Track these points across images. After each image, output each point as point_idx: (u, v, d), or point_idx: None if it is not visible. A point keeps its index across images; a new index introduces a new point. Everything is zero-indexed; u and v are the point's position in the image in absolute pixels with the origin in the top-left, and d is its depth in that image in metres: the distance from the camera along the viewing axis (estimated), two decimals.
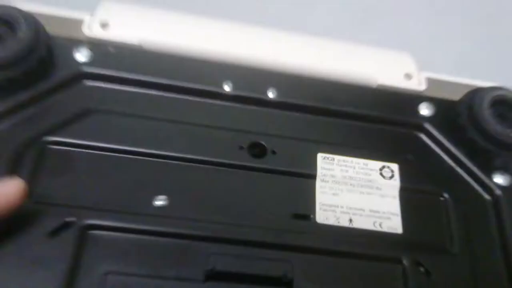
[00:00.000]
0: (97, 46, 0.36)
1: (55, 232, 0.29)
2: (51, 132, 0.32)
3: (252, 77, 0.37)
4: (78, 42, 0.36)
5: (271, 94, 0.36)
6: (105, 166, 0.32)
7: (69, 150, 0.32)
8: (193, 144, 0.34)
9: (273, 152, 0.34)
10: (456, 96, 0.39)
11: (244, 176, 0.33)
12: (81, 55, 0.35)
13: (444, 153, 0.37)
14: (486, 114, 0.36)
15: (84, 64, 0.35)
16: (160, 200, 0.31)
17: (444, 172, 0.36)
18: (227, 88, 0.36)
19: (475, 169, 0.36)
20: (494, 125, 0.36)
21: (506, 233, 0.35)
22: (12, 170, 0.30)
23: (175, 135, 0.34)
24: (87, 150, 0.32)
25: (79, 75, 0.34)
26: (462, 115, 0.37)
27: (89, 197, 0.31)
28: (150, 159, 0.33)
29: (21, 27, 0.32)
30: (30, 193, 0.30)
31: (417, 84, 0.40)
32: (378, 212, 0.34)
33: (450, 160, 0.37)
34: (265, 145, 0.34)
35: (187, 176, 0.32)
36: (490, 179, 0.36)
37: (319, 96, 0.37)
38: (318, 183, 0.34)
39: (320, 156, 0.35)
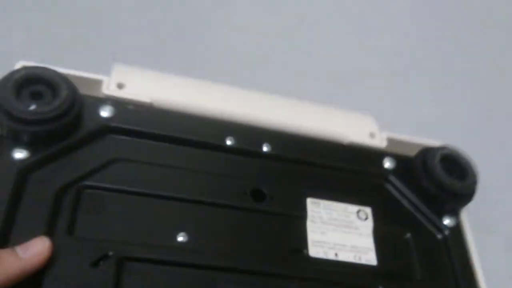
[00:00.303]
0: (118, 104, 0.41)
1: (96, 263, 0.33)
2: (84, 177, 0.37)
3: (249, 133, 0.43)
4: (102, 100, 0.41)
5: (265, 148, 0.43)
6: (132, 207, 0.37)
7: (101, 192, 0.37)
8: (204, 189, 0.39)
9: (271, 197, 0.41)
10: (410, 151, 0.48)
11: (248, 216, 0.39)
12: (105, 112, 0.40)
13: (405, 199, 0.45)
14: (437, 168, 0.45)
15: (108, 119, 0.40)
16: (181, 236, 0.37)
17: (405, 215, 0.44)
18: (229, 142, 0.42)
19: (429, 213, 0.45)
20: (443, 177, 0.44)
21: (454, 263, 0.43)
22: (54, 210, 0.35)
23: (188, 181, 0.40)
24: (116, 193, 0.37)
25: (104, 128, 0.40)
26: (418, 168, 0.45)
27: (122, 233, 0.36)
28: (169, 201, 0.38)
29: (62, 88, 0.38)
30: (71, 230, 0.35)
31: (379, 142, 0.48)
32: (357, 247, 0.41)
33: (409, 206, 0.45)
34: (264, 191, 0.41)
35: (201, 216, 0.38)
36: (441, 221, 0.45)
37: (305, 151, 0.44)
38: (309, 223, 0.41)
39: (309, 200, 0.42)
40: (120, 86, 0.43)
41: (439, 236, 0.44)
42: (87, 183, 0.37)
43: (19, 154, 0.36)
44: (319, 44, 0.61)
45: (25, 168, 0.36)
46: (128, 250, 0.35)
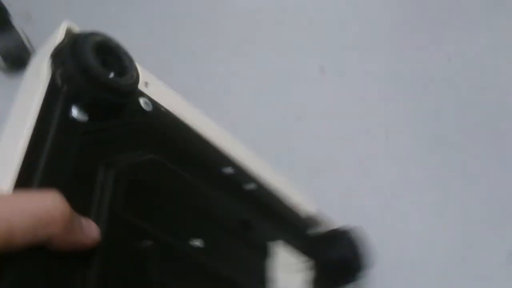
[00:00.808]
0: (153, 102, 0.43)
1: (138, 245, 0.34)
2: (125, 161, 0.37)
3: (244, 169, 0.49)
4: (140, 93, 0.42)
5: (251, 186, 0.49)
6: (161, 202, 0.39)
7: (138, 179, 0.37)
8: (212, 208, 0.43)
9: (256, 230, 0.46)
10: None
11: (243, 242, 0.44)
12: (145, 105, 0.41)
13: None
14: None
15: (147, 113, 0.41)
16: (198, 241, 0.39)
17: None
18: (228, 171, 0.47)
19: None
20: None
21: None
22: (102, 183, 0.34)
23: (202, 197, 0.43)
24: (149, 184, 0.38)
25: (145, 121, 0.41)
26: None
27: (154, 221, 0.37)
28: (187, 209, 0.41)
29: (131, 67, 0.39)
30: (113, 207, 0.34)
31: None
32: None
33: None
34: (252, 223, 0.46)
35: (211, 230, 0.41)
36: None
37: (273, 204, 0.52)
38: (275, 261, 0.47)
39: (279, 242, 0.48)
40: (146, 84, 0.44)
41: None
42: (127, 167, 0.37)
43: (79, 115, 0.35)
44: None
45: (85, 131, 0.35)
46: (162, 238, 0.36)
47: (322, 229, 0.58)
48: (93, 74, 0.35)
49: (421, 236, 0.61)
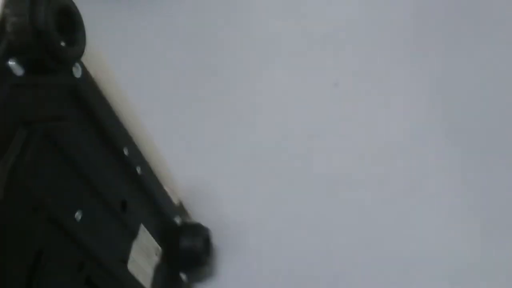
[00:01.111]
0: (85, 70, 0.44)
1: (32, 212, 0.36)
2: (42, 122, 0.38)
3: (137, 151, 0.52)
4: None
5: (138, 169, 0.52)
6: (64, 169, 0.40)
7: (47, 144, 0.38)
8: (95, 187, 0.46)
9: (130, 212, 0.50)
10: None
11: (115, 218, 0.48)
12: (74, 69, 0.42)
13: None
14: None
15: (75, 77, 0.42)
16: (78, 213, 0.42)
17: None
18: (125, 151, 0.50)
19: None
20: None
21: None
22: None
23: (100, 177, 0.46)
24: (56, 153, 0.40)
25: (70, 82, 0.42)
26: None
27: (49, 191, 0.38)
28: (79, 179, 0.43)
29: (82, 37, 0.40)
30: (16, 169, 0.35)
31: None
32: (149, 275, 0.54)
33: None
34: (128, 204, 0.50)
35: (91, 204, 0.44)
36: None
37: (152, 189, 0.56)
38: (135, 243, 0.51)
39: (142, 226, 0.53)
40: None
41: None
42: (42, 129, 0.38)
43: (15, 67, 0.35)
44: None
45: (15, 84, 0.35)
46: (53, 209, 0.38)
47: (186, 220, 0.63)
48: (48, 39, 0.35)
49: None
